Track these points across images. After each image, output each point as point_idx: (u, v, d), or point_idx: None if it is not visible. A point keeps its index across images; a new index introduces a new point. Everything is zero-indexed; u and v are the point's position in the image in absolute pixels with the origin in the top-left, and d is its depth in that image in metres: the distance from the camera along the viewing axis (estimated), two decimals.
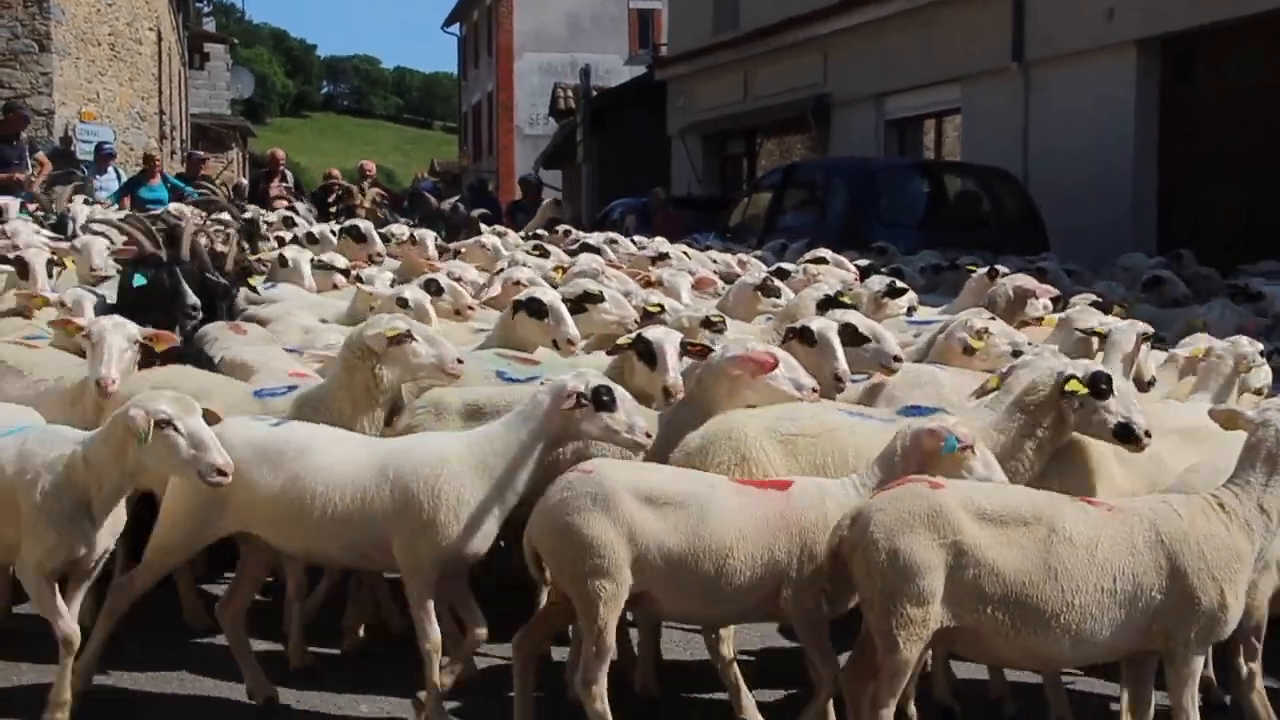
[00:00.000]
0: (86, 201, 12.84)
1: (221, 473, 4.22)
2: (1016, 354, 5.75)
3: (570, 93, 34.93)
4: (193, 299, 6.72)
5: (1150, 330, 6.14)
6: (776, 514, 4.23)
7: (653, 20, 41.58)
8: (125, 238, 7.66)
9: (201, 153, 24.12)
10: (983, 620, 3.90)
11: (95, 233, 8.78)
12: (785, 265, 9.02)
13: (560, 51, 42.14)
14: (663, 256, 9.35)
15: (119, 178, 17.19)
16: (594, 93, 29.36)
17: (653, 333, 5.28)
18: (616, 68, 38.76)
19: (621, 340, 5.40)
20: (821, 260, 9.24)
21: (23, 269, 7.59)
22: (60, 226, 10.76)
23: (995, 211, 15.70)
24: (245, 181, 24.54)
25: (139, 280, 6.79)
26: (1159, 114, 16.24)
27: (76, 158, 18.71)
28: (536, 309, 6.13)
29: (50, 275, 7.63)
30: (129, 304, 6.58)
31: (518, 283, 7.03)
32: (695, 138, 26.30)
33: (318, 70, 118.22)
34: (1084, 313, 6.45)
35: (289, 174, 18.24)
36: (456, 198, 16.04)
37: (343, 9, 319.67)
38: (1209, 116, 15.72)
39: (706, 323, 6.08)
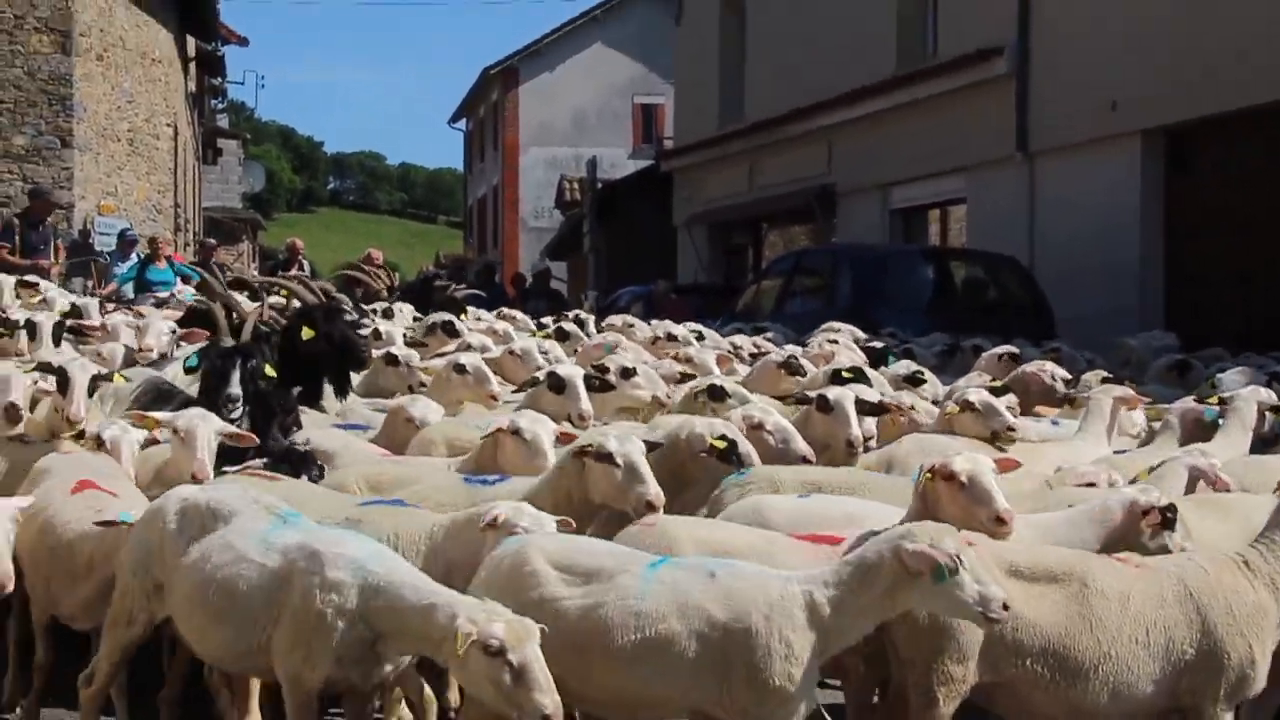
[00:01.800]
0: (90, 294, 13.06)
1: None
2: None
3: (576, 184, 35.41)
4: (235, 389, 6.37)
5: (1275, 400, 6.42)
6: None
7: (656, 114, 42.19)
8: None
9: (212, 240, 24.48)
10: (1022, 674, 4.00)
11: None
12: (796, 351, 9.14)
13: (565, 145, 42.71)
14: (670, 338, 9.53)
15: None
16: (600, 184, 29.78)
17: (833, 392, 5.65)
18: (621, 161, 39.26)
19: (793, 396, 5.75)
20: (833, 329, 9.47)
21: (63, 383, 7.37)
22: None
23: (1002, 297, 15.92)
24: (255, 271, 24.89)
25: (191, 363, 6.72)
26: (1163, 202, 16.47)
27: (95, 249, 19.04)
28: (555, 383, 6.34)
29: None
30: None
31: (513, 352, 7.32)
32: (701, 227, 26.65)
33: (324, 166, 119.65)
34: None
35: (306, 263, 18.51)
36: (464, 285, 16.20)
37: (349, 107, 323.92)
38: (1211, 204, 15.94)
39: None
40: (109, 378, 6.36)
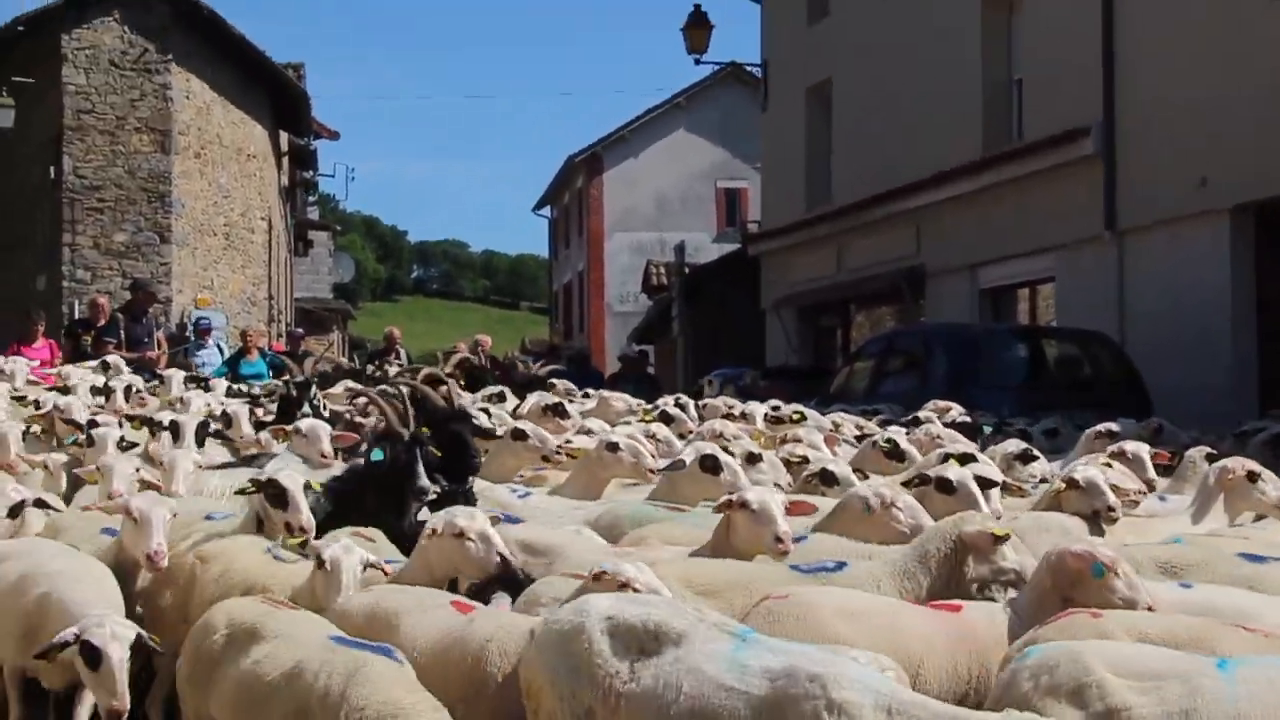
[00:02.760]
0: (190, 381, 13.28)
1: None
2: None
3: (663, 269, 35.74)
4: (424, 481, 6.54)
5: None
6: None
7: (739, 198, 42.59)
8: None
9: (300, 330, 25.00)
10: None
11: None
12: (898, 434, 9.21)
13: (649, 230, 43.15)
14: (778, 420, 9.67)
15: (221, 351, 17.86)
16: (687, 268, 30.05)
17: (954, 473, 5.98)
18: (704, 245, 39.58)
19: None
20: (939, 408, 9.56)
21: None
22: None
23: (1095, 373, 15.83)
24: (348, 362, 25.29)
25: (377, 455, 6.70)
26: (1254, 277, 16.34)
27: (190, 339, 19.49)
28: (711, 465, 6.67)
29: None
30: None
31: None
32: (789, 310, 26.76)
33: (408, 255, 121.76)
34: None
35: (403, 351, 18.80)
36: (554, 365, 16.39)
37: (432, 196, 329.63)
38: None
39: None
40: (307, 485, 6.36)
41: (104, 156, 23.26)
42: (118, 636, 4.52)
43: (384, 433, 6.91)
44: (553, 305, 57.46)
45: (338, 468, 7.46)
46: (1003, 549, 5.02)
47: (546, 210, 53.87)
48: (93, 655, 4.49)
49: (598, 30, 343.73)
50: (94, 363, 13.60)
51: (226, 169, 26.23)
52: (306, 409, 9.32)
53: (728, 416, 9.69)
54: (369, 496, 6.47)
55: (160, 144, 23.73)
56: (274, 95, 28.60)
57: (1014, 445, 7.80)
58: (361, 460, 7.01)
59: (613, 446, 7.49)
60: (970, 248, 21.12)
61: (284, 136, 32.06)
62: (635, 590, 4.33)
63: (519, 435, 8.02)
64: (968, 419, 10.50)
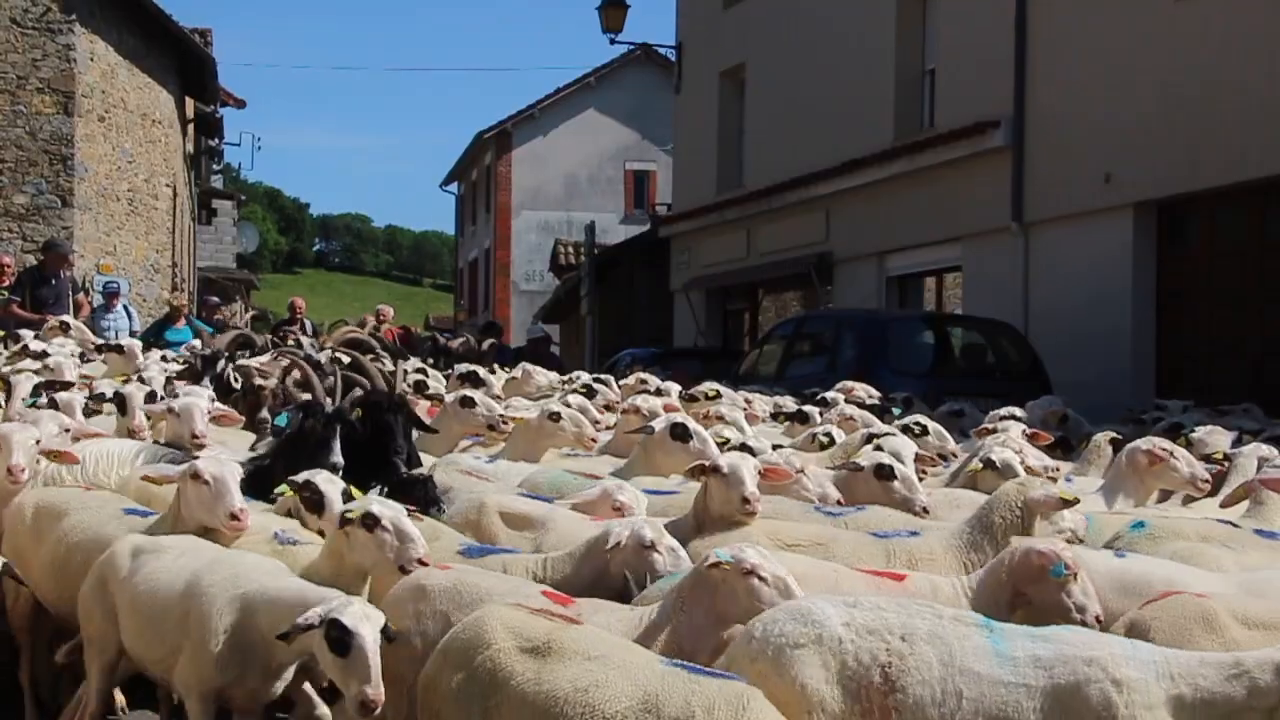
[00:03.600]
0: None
1: None
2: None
3: (572, 248, 35.77)
4: (337, 457, 6.29)
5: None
6: None
7: (648, 180, 42.76)
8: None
9: (216, 299, 24.68)
10: None
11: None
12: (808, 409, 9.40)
13: (557, 209, 43.20)
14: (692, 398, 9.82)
15: (128, 315, 17.59)
16: (597, 249, 30.10)
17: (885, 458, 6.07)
18: (612, 226, 39.66)
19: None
20: (851, 391, 9.77)
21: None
22: None
23: (1000, 362, 16.17)
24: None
25: (281, 420, 6.62)
26: (1155, 273, 16.79)
27: (92, 306, 19.16)
28: (680, 433, 6.75)
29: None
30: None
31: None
32: (698, 292, 26.93)
33: (310, 228, 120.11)
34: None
35: (308, 323, 18.66)
36: (466, 337, 16.39)
37: (336, 170, 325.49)
38: (1203, 275, 16.29)
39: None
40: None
41: (4, 116, 22.69)
42: (370, 618, 4.09)
43: (305, 403, 6.75)
44: (458, 282, 57.20)
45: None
46: (1064, 511, 5.29)
47: (454, 186, 53.58)
48: (342, 638, 4.03)
49: (510, 6, 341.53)
50: None
51: (131, 133, 25.73)
52: (206, 383, 8.90)
53: (643, 393, 9.78)
54: (278, 467, 6.23)
55: (63, 106, 23.21)
56: (180, 60, 28.11)
57: (911, 420, 8.10)
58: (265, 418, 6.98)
59: (555, 416, 7.65)
60: (879, 235, 21.42)
61: (190, 103, 31.52)
62: (762, 578, 4.10)
63: (466, 403, 8.01)
64: (875, 400, 10.69)
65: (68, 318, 13.18)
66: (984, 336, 16.60)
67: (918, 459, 6.85)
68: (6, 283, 16.29)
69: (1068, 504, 5.32)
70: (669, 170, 32.97)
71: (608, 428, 8.39)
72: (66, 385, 8.21)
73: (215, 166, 41.98)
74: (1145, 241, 16.76)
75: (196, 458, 5.77)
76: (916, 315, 19.37)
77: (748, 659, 3.76)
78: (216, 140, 38.93)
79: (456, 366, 10.09)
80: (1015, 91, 18.44)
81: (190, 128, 32.99)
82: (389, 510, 4.73)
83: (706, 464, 5.56)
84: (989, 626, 3.78)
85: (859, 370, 14.27)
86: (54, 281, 16.00)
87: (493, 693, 3.77)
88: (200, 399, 7.16)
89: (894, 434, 7.18)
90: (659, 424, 6.82)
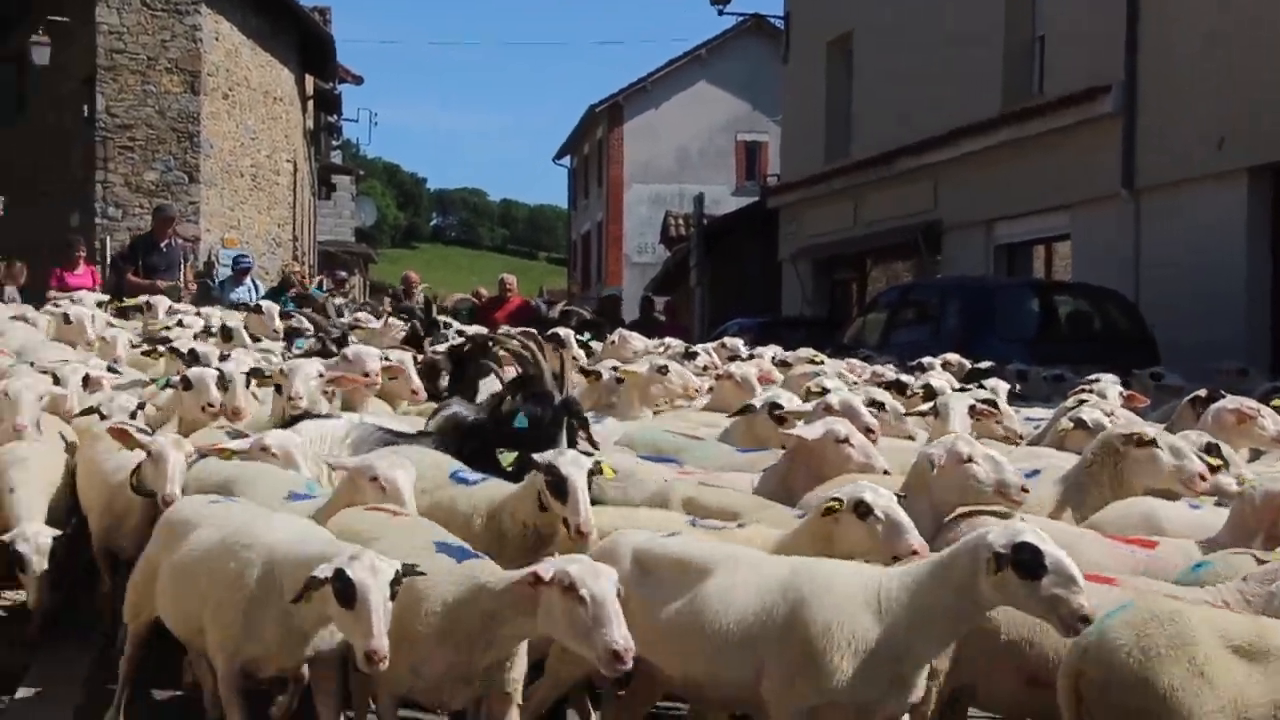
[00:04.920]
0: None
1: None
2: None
3: (682, 220, 36.00)
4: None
5: None
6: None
7: (759, 151, 42.77)
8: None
9: (343, 273, 25.34)
10: None
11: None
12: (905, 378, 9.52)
13: (669, 182, 43.38)
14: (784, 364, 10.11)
15: (255, 290, 17.98)
16: (706, 220, 30.32)
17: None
18: (724, 197, 39.78)
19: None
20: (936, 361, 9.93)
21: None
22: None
23: (1107, 330, 16.08)
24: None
25: (521, 422, 6.10)
26: (1270, 238, 16.53)
27: (211, 288, 19.60)
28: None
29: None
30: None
31: (730, 377, 8.34)
32: (806, 262, 27.01)
33: (427, 203, 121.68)
34: None
35: (422, 296, 19.05)
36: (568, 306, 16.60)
37: (453, 145, 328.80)
38: None
39: None
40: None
41: (135, 96, 23.57)
42: (377, 570, 4.07)
43: (532, 392, 6.27)
44: (571, 255, 57.73)
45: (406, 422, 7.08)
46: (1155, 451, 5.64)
47: (566, 160, 54.05)
48: (346, 590, 4.04)
49: None
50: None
51: (254, 111, 26.53)
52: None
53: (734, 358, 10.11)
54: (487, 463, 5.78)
55: (190, 85, 24.01)
56: (301, 39, 28.86)
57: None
58: (458, 411, 6.52)
59: (663, 369, 8.14)
60: (987, 203, 21.32)
61: (310, 80, 32.31)
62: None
63: (663, 370, 8.44)
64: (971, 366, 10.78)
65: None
66: (1091, 304, 16.52)
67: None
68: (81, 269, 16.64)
69: (1147, 444, 5.63)
70: (780, 141, 32.99)
71: (707, 390, 8.66)
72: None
73: (334, 142, 42.92)
74: (1260, 206, 16.51)
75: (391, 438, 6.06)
76: (1022, 282, 19.27)
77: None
78: (335, 116, 39.83)
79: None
80: (1126, 57, 18.22)
81: (310, 104, 33.82)
82: (881, 499, 4.76)
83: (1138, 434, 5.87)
84: None
85: (963, 338, 14.30)
86: (164, 248, 16.08)
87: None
88: (311, 364, 7.32)
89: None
90: (758, 401, 6.92)
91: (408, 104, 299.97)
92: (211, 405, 6.90)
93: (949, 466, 5.23)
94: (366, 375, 7.48)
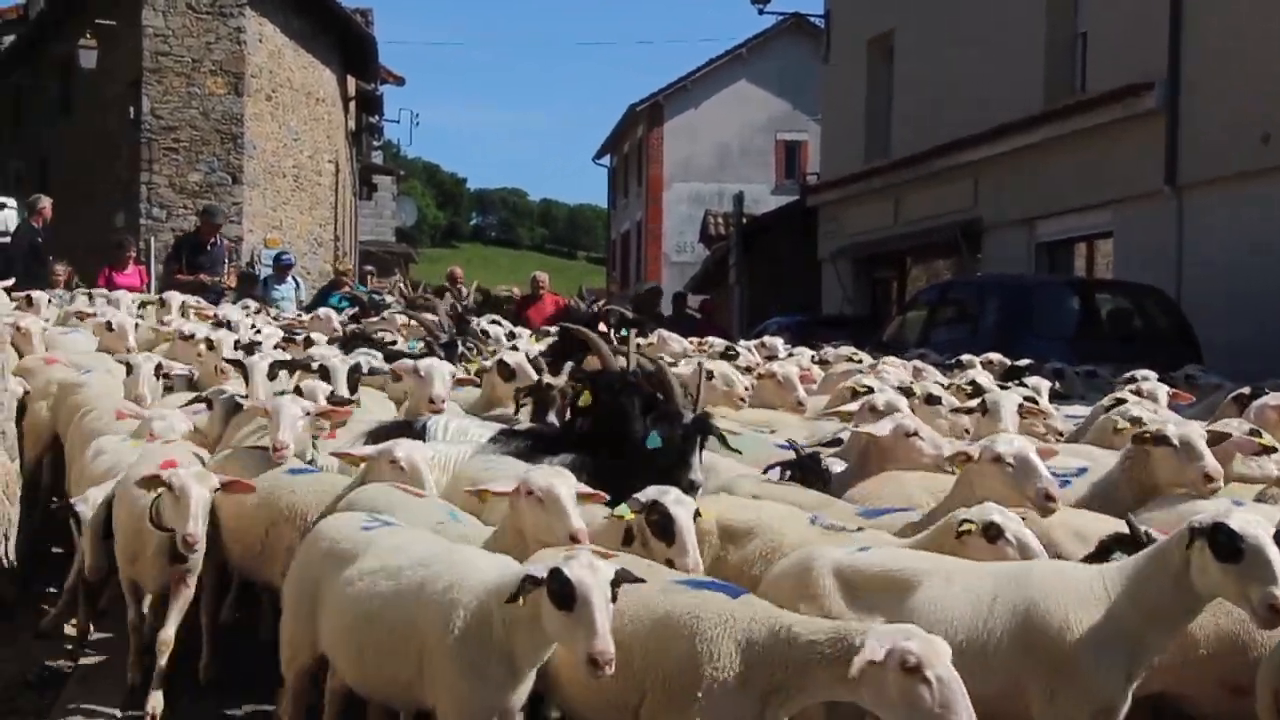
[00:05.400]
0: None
1: None
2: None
3: (721, 219, 36.01)
4: (698, 474, 5.73)
5: None
6: None
7: (799, 150, 42.68)
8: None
9: (370, 268, 25.55)
10: None
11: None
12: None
13: (708, 181, 43.37)
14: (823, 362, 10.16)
15: (297, 287, 18.19)
16: (745, 219, 30.33)
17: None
18: (763, 196, 39.73)
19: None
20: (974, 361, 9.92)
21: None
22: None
23: (1148, 327, 15.99)
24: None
25: (654, 441, 5.75)
26: None
27: (259, 279, 19.81)
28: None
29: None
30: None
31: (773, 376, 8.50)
32: (845, 261, 26.99)
33: (467, 203, 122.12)
34: None
35: (465, 290, 19.16)
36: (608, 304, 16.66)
37: (493, 145, 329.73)
38: None
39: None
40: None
41: (180, 98, 23.82)
42: (596, 569, 3.83)
43: (664, 412, 5.93)
44: (610, 254, 57.82)
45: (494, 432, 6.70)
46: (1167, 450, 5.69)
47: (606, 159, 54.14)
48: (564, 590, 3.80)
49: None
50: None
51: (296, 112, 26.74)
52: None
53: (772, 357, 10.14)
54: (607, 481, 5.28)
55: (234, 86, 24.24)
56: (342, 40, 29.03)
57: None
58: (554, 423, 6.40)
59: (709, 373, 7.96)
60: (1028, 201, 21.24)
61: (351, 81, 32.50)
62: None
63: (709, 375, 8.34)
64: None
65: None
66: (1131, 301, 16.43)
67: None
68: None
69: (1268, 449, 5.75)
70: (819, 140, 32.96)
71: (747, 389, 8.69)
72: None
73: (375, 143, 43.13)
74: None
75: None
76: (1061, 280, 19.20)
77: None
78: (377, 117, 40.01)
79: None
80: (1170, 53, 18.12)
81: (352, 105, 34.01)
82: (1011, 522, 4.70)
83: (1153, 432, 5.75)
84: None
85: (1001, 335, 14.27)
86: (210, 248, 16.48)
87: None
88: (445, 365, 7.47)
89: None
90: (885, 426, 6.45)
91: (448, 104, 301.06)
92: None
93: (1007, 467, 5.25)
94: (432, 401, 7.13)
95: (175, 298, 12.42)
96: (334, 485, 5.87)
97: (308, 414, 6.25)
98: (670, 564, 4.56)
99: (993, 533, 4.65)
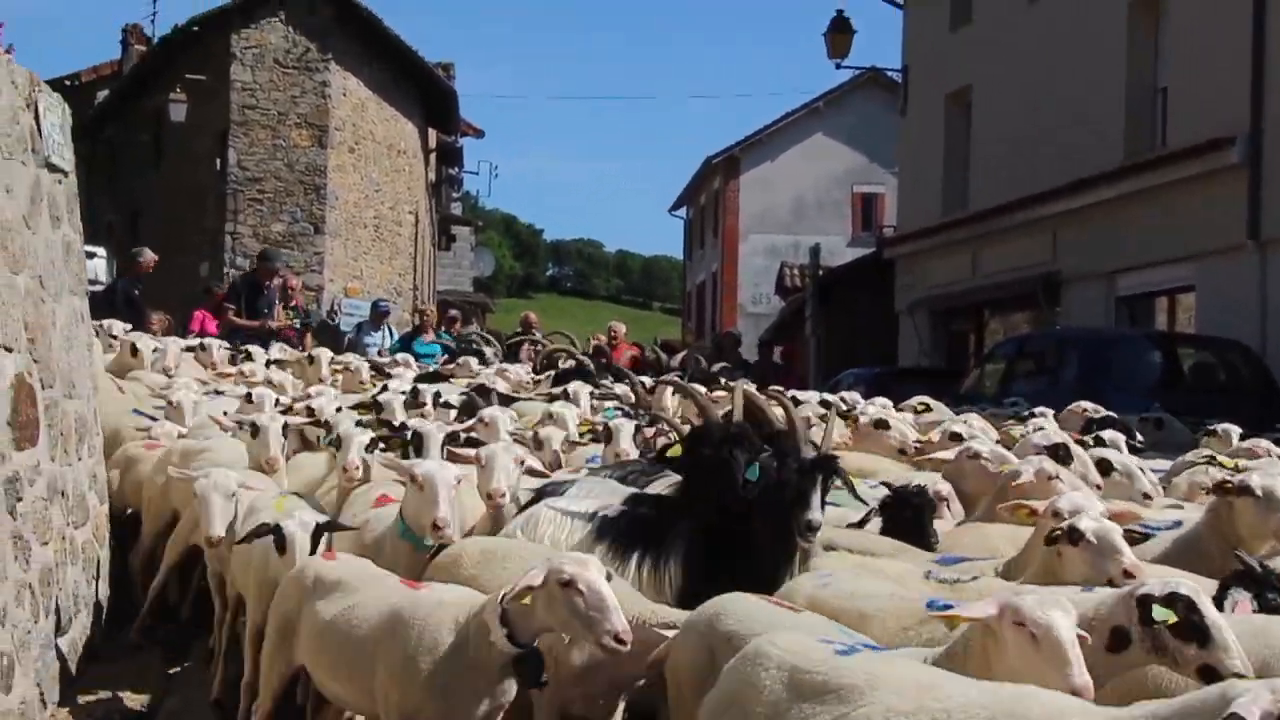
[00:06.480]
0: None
1: None
2: None
3: (797, 271, 36.04)
4: (818, 514, 5.22)
5: None
6: None
7: (876, 203, 42.68)
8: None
9: (455, 312, 25.81)
10: None
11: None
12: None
13: (784, 233, 43.42)
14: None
15: (391, 335, 18.08)
16: (821, 271, 30.34)
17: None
18: (839, 248, 39.71)
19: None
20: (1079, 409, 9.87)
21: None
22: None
23: (1231, 382, 15.80)
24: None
25: (753, 473, 5.28)
26: None
27: (341, 330, 19.97)
28: None
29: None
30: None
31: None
32: (923, 313, 26.89)
33: (543, 253, 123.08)
34: None
35: (540, 335, 19.28)
36: (723, 364, 16.54)
37: (569, 196, 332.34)
38: None
39: None
40: None
41: (265, 150, 24.38)
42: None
43: (780, 449, 5.39)
44: (685, 305, 57.97)
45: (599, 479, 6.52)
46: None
47: (682, 211, 54.41)
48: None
49: (738, 34, 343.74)
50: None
51: (378, 164, 27.23)
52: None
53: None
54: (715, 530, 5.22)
55: (318, 139, 24.76)
56: (424, 93, 29.55)
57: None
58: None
59: (882, 424, 8.17)
60: (1108, 255, 21.07)
61: (432, 133, 33.03)
62: None
63: (881, 424, 8.52)
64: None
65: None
66: (1214, 355, 16.25)
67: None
68: (296, 302, 17.33)
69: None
70: (896, 192, 32.95)
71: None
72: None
73: (454, 194, 43.72)
74: None
75: None
76: (1142, 333, 19.00)
77: None
78: (456, 169, 40.58)
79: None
80: (1252, 107, 17.97)
81: (432, 157, 34.55)
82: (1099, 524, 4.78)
83: (1236, 482, 5.70)
84: None
85: (1081, 388, 14.13)
86: (265, 291, 16.52)
87: None
88: (506, 412, 7.60)
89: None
90: (1027, 470, 6.43)
91: (525, 156, 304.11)
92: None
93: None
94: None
95: (324, 354, 12.31)
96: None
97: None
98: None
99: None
